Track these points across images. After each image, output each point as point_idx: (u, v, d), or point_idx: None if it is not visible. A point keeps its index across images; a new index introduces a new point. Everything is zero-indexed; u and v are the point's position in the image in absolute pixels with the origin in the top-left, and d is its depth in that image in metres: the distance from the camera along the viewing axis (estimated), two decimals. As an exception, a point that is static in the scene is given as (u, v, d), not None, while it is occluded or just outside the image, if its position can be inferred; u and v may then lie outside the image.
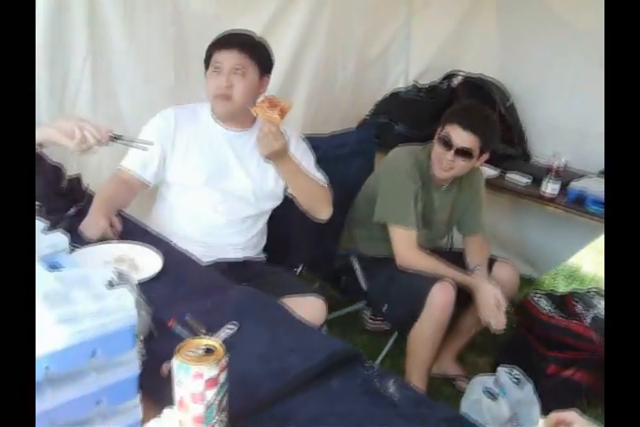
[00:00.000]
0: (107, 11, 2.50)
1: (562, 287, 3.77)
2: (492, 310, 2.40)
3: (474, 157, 2.50)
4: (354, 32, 3.65)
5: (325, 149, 2.75)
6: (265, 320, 1.44)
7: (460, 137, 2.47)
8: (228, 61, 2.14)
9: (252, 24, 2.90)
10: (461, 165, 2.51)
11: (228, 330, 1.34)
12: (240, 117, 2.21)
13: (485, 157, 2.57)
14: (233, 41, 2.19)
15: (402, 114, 3.59)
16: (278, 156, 2.09)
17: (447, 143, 2.49)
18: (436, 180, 2.62)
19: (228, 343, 1.14)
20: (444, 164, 2.51)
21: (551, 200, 3.08)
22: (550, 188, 3.03)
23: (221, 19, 2.81)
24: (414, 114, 3.58)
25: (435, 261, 2.51)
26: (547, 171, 3.09)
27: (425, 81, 3.86)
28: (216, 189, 2.19)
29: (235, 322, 1.38)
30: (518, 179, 3.22)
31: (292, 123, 3.10)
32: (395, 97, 3.74)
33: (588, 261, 4.20)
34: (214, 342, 1.08)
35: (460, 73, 3.72)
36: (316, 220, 2.28)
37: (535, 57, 3.59)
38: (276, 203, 2.32)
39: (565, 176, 3.17)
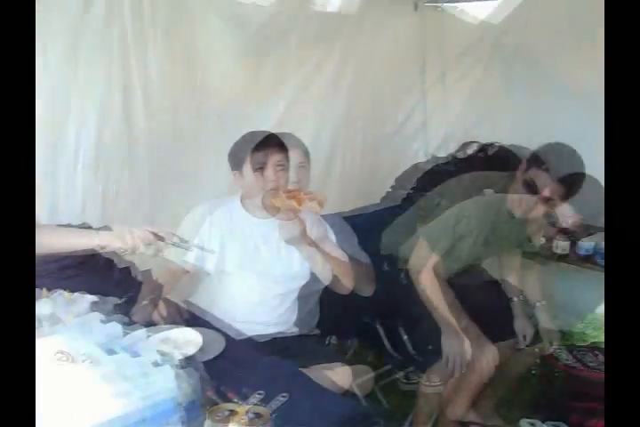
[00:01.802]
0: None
1: (591, 339, 3.89)
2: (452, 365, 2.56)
3: (556, 205, 2.52)
4: (372, 109, 4.00)
5: (354, 224, 3.04)
6: (288, 388, 1.70)
7: (546, 184, 2.43)
8: (272, 159, 2.44)
9: (271, 113, 3.31)
10: (542, 210, 2.53)
11: (254, 399, 1.60)
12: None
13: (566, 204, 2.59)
14: (272, 141, 2.49)
15: (423, 185, 3.83)
16: (298, 240, 2.39)
17: (531, 188, 2.47)
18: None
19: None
20: (524, 206, 2.54)
21: (563, 257, 3.28)
22: (560, 247, 3.23)
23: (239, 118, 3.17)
24: (435, 185, 3.82)
25: (440, 295, 2.61)
26: (557, 231, 3.31)
27: (443, 153, 4.16)
28: (249, 271, 2.48)
29: (261, 391, 1.64)
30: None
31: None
32: (415, 169, 4.03)
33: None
34: (237, 406, 1.36)
35: (476, 142, 4.01)
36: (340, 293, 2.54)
37: (544, 118, 3.84)
38: (303, 281, 2.58)
39: (580, 232, 3.39)
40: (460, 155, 3.96)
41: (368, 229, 3.15)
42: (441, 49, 4.15)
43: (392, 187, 3.98)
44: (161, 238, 2.03)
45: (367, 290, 2.53)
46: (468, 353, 2.59)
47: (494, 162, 3.83)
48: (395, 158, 4.20)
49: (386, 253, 2.96)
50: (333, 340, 3.01)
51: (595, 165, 3.63)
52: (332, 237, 2.63)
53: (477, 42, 4.03)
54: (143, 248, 1.93)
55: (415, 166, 4.05)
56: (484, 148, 3.93)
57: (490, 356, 2.65)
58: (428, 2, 4.13)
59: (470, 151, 3.92)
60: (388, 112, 4.16)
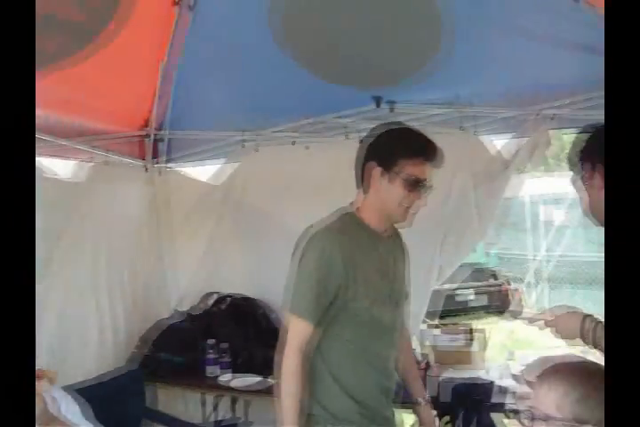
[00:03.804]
0: None
1: None
2: None
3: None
4: (116, 274, 4.00)
5: (96, 389, 2.97)
6: None
7: (424, 171, 2.13)
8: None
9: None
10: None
11: None
12: None
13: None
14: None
15: (166, 342, 3.86)
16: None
17: (416, 182, 2.12)
18: (379, 231, 2.24)
19: None
20: (411, 207, 2.16)
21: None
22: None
23: None
24: (178, 340, 3.88)
25: (296, 390, 2.05)
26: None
27: (186, 306, 4.22)
28: None
29: None
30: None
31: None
32: (158, 327, 4.02)
33: None
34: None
35: (216, 293, 4.15)
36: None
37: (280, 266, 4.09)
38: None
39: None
40: (199, 309, 4.06)
41: (107, 396, 3.08)
42: (173, 208, 4.34)
43: (137, 347, 3.91)
44: None
45: None
46: None
47: (229, 313, 4.03)
48: (143, 317, 4.17)
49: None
50: None
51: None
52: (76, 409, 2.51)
53: (207, 199, 4.27)
54: None
55: (158, 324, 4.05)
56: (220, 300, 4.10)
57: None
58: (157, 164, 4.35)
59: (210, 302, 4.05)
60: (131, 273, 4.17)
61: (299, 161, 3.99)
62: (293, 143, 3.99)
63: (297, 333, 2.11)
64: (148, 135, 4.20)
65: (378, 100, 3.54)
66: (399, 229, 2.39)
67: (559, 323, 2.00)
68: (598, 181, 1.95)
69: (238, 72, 3.56)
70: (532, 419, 1.47)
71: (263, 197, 4.15)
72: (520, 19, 2.88)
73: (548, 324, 2.04)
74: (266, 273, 4.13)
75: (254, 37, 3.19)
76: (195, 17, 3.25)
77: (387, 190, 2.15)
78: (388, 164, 2.13)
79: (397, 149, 2.14)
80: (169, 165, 4.41)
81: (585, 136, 2.08)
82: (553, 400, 1.46)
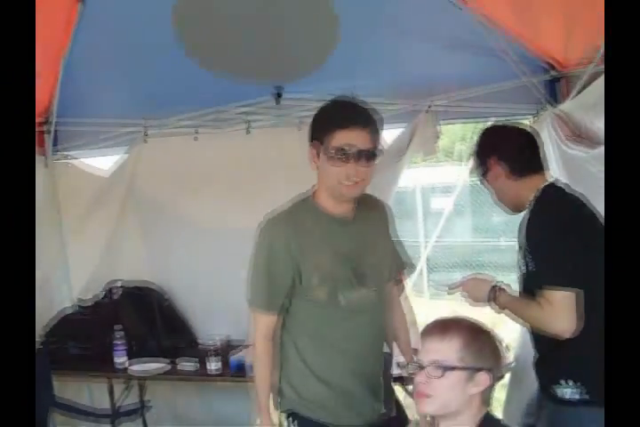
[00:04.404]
0: None
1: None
2: None
3: (377, 156, 2.09)
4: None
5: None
6: None
7: (358, 138, 2.03)
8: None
9: None
10: (368, 172, 2.08)
11: None
12: None
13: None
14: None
15: (72, 334, 3.86)
16: None
17: (345, 154, 2.03)
18: (338, 214, 2.18)
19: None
20: (351, 178, 2.05)
21: (218, 375, 3.50)
22: (214, 366, 3.48)
23: None
24: (83, 332, 3.89)
25: (265, 375, 2.19)
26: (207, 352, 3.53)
27: (90, 294, 4.21)
28: None
29: None
30: (187, 365, 3.63)
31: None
32: (62, 319, 3.99)
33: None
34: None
35: (119, 282, 4.17)
36: None
37: (180, 255, 4.20)
38: None
39: (229, 350, 3.65)
40: (106, 300, 4.07)
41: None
42: (70, 196, 4.31)
43: (40, 336, 3.87)
44: None
45: None
46: None
47: (133, 301, 4.07)
48: (45, 310, 4.11)
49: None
50: None
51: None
52: None
53: (108, 191, 4.27)
54: None
55: (61, 313, 4.01)
56: (123, 287, 4.11)
57: None
58: (56, 159, 4.29)
59: (114, 290, 4.06)
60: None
61: (188, 151, 4.08)
62: (196, 139, 4.07)
63: (259, 323, 2.20)
64: (45, 122, 4.09)
65: (277, 93, 3.65)
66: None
67: (471, 288, 2.31)
68: (492, 173, 2.32)
69: (134, 62, 3.56)
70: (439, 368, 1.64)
71: (157, 186, 4.21)
72: (411, 18, 3.08)
73: (462, 288, 2.33)
74: (167, 261, 4.22)
75: (152, 27, 3.22)
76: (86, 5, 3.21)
77: (323, 164, 2.10)
78: (321, 136, 2.08)
79: (329, 121, 2.09)
80: (63, 153, 4.33)
81: (477, 137, 2.38)
82: (455, 351, 1.65)
